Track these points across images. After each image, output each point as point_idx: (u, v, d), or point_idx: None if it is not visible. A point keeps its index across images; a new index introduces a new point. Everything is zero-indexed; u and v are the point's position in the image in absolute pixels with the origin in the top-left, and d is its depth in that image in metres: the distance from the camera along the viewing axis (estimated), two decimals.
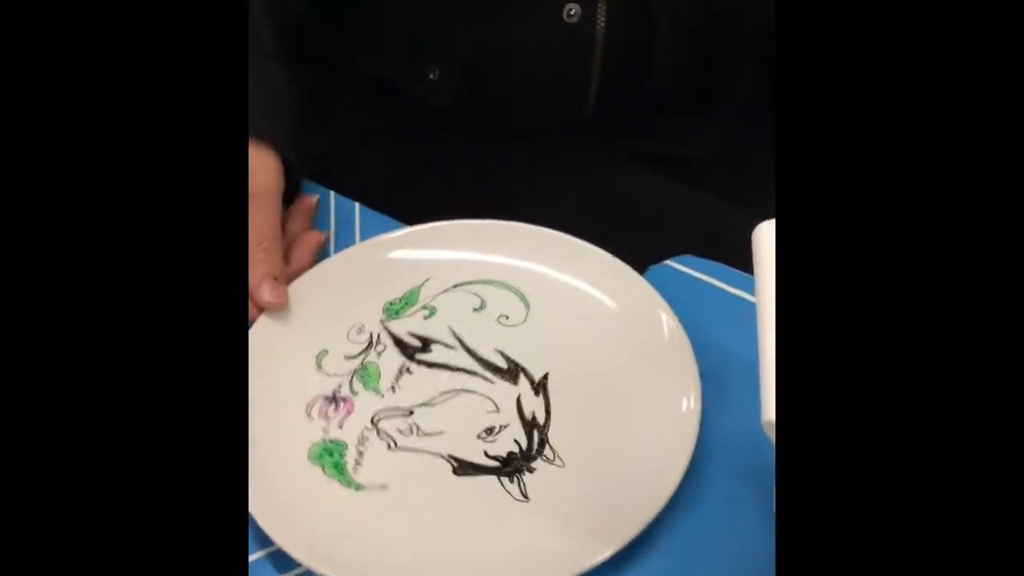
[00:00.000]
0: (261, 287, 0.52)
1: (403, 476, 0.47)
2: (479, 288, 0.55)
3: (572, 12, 0.64)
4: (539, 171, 0.69)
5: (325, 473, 0.47)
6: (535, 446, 0.48)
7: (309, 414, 0.50)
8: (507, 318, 0.54)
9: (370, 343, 0.53)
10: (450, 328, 0.53)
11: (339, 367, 0.52)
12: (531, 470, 0.47)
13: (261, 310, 0.53)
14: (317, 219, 0.60)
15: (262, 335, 0.52)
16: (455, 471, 0.47)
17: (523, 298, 0.54)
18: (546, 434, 0.49)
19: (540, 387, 0.50)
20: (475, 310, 0.54)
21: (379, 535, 0.45)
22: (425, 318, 0.54)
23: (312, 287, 0.54)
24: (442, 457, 0.48)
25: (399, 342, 0.53)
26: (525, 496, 0.46)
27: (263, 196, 0.53)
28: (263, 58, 0.60)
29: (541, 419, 0.49)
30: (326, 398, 0.50)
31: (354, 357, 0.52)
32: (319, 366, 0.52)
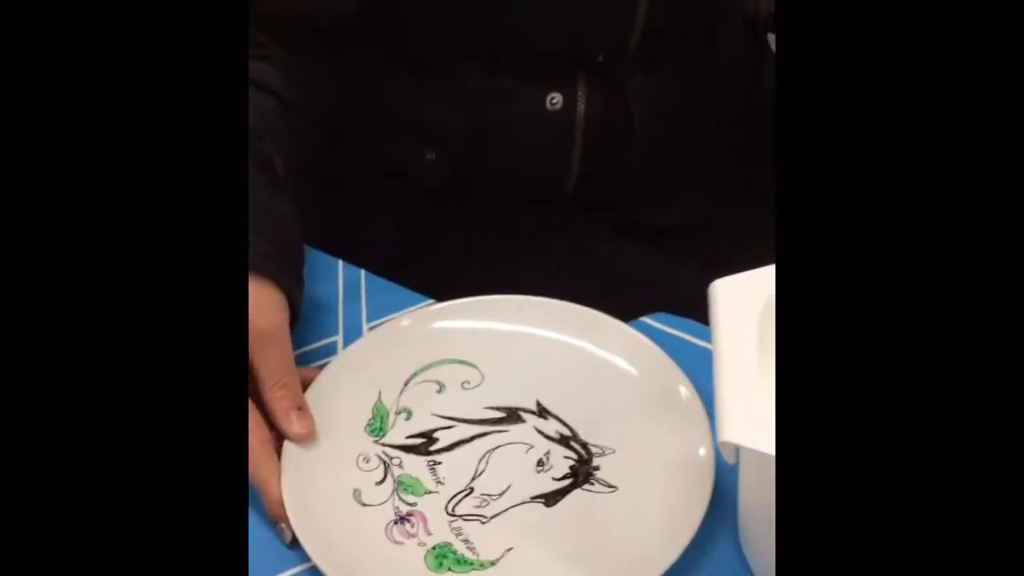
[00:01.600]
0: (288, 420, 0.54)
1: (515, 533, 0.52)
2: (426, 374, 0.60)
3: (554, 100, 0.71)
4: (526, 239, 0.76)
5: (456, 572, 0.50)
6: (582, 451, 0.55)
7: (393, 540, 0.51)
8: (469, 383, 0.59)
9: (385, 464, 0.55)
10: (434, 415, 0.58)
11: (379, 495, 0.54)
12: (597, 468, 0.54)
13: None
14: (325, 287, 0.66)
15: (299, 499, 0.52)
16: (546, 504, 0.53)
17: (465, 363, 0.60)
18: (581, 439, 0.56)
19: (543, 412, 0.57)
20: (439, 392, 0.59)
21: None
22: (406, 420, 0.58)
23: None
24: (527, 502, 0.53)
25: (406, 448, 0.56)
26: (612, 486, 0.53)
27: (274, 332, 0.55)
28: (270, 186, 0.60)
29: (567, 432, 0.56)
30: (395, 521, 0.52)
31: (383, 481, 0.54)
32: (362, 503, 0.53)
